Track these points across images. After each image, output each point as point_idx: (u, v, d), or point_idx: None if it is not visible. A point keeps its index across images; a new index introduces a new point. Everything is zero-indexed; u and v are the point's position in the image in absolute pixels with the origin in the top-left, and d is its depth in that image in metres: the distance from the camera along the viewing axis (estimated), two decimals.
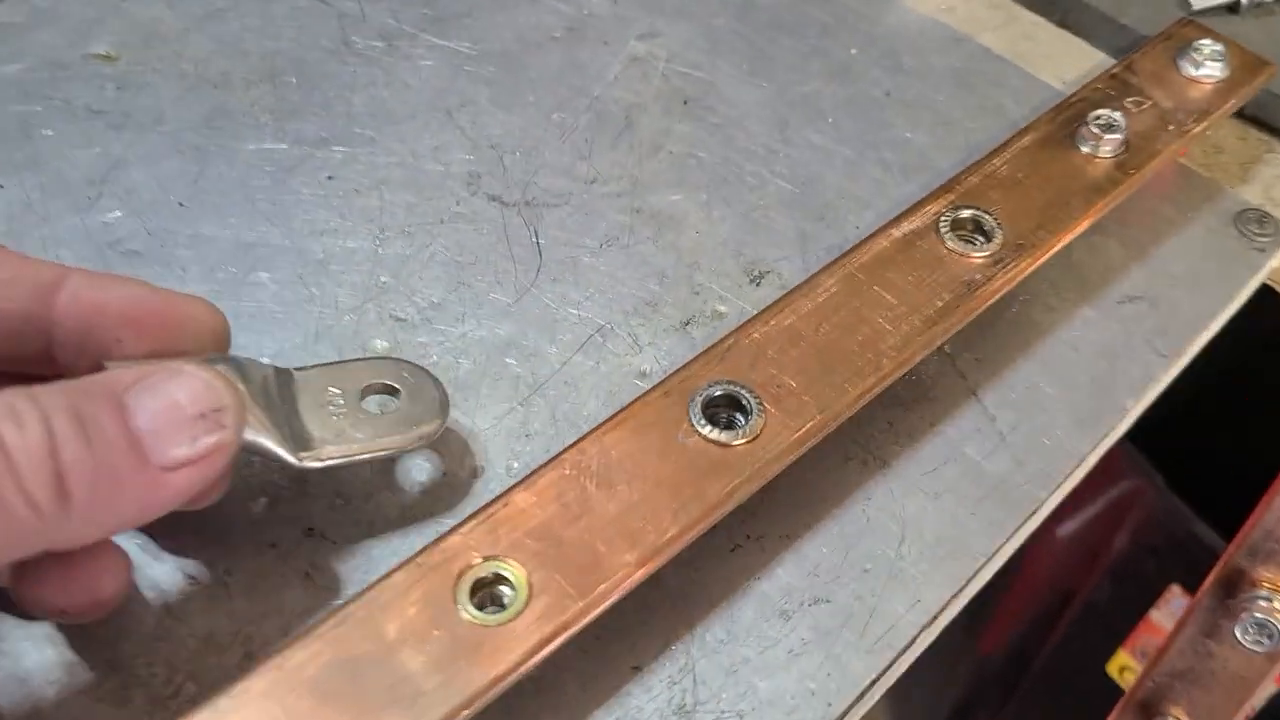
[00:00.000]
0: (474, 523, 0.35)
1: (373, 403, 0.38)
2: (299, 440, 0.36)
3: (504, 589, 0.34)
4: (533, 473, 0.36)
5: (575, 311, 0.45)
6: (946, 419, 0.43)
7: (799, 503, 0.41)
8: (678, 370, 0.39)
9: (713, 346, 0.40)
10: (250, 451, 0.35)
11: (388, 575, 0.34)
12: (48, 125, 0.49)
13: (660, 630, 0.38)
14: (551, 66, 0.54)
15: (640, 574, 0.35)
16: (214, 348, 0.37)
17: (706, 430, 0.37)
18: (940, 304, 0.42)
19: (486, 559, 0.34)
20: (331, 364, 0.39)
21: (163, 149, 0.49)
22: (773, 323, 0.41)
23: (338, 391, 0.38)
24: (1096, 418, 0.44)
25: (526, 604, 0.34)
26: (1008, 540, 0.41)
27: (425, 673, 0.32)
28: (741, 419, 0.38)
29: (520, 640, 0.33)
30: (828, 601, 0.38)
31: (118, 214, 0.46)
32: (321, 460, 0.36)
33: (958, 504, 0.41)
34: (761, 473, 0.37)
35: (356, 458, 0.37)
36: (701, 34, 0.56)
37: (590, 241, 0.47)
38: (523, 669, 0.33)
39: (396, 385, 0.39)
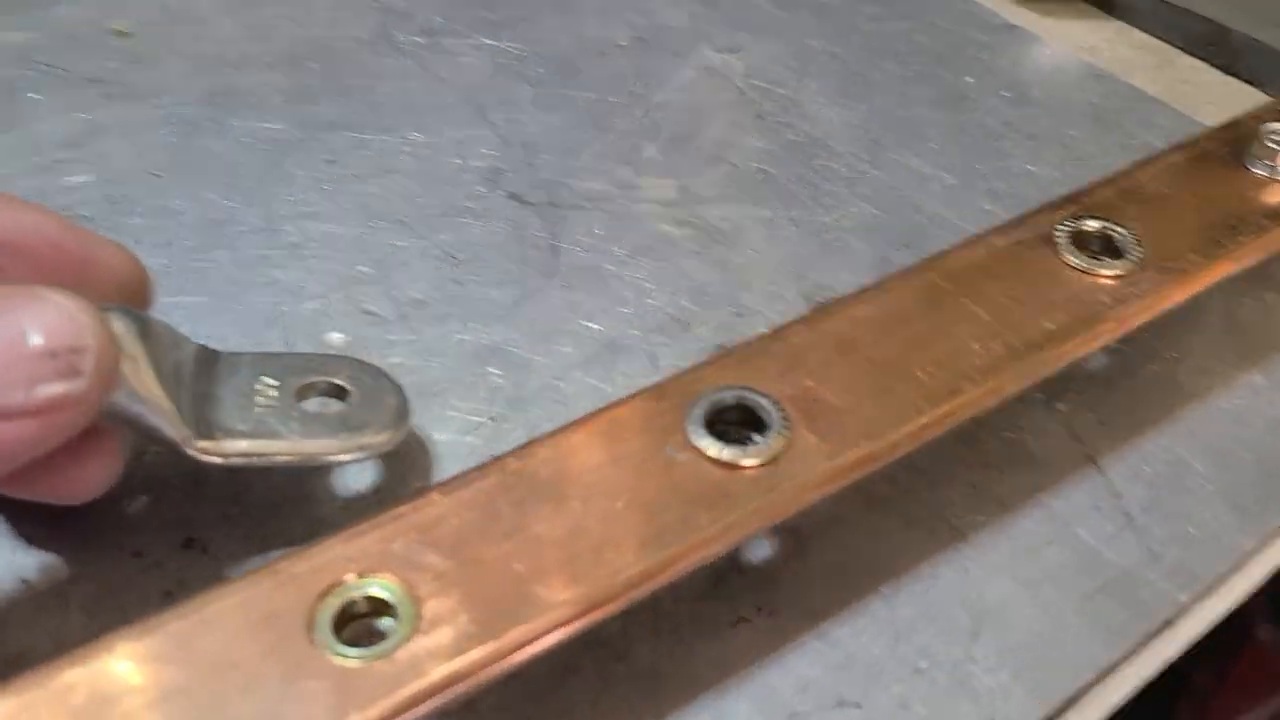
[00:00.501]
0: (364, 526, 0.26)
1: (315, 404, 0.30)
2: (202, 426, 0.28)
3: (384, 619, 0.25)
4: (461, 474, 0.27)
5: (586, 323, 0.36)
6: (1053, 490, 0.32)
7: (835, 572, 0.30)
8: (681, 372, 0.29)
9: (734, 348, 0.30)
10: (134, 426, 0.27)
11: (226, 583, 0.25)
12: (37, 90, 0.43)
13: (615, 707, 0.27)
14: (609, 72, 0.46)
15: (579, 621, 0.25)
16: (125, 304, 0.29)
17: (705, 444, 0.27)
18: (1051, 327, 0.31)
19: (364, 574, 0.25)
20: (274, 353, 0.31)
21: (151, 120, 0.42)
22: (820, 327, 0.31)
23: (273, 383, 0.30)
24: (1263, 505, 0.32)
25: (409, 637, 0.24)
26: (1129, 655, 0.29)
27: None
28: (757, 437, 0.28)
29: (388, 686, 0.23)
30: (857, 707, 0.27)
31: (82, 179, 0.40)
32: (224, 455, 0.28)
33: (1061, 598, 0.30)
34: (775, 506, 0.27)
35: (274, 459, 0.29)
36: (790, 53, 0.48)
37: (619, 250, 0.39)
38: None
39: (346, 386, 0.31)
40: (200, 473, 0.29)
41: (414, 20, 0.48)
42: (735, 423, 0.28)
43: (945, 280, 0.32)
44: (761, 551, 0.30)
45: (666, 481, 0.27)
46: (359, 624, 0.25)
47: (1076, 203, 0.35)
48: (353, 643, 0.24)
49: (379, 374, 0.31)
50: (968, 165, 0.43)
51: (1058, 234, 0.33)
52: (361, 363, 0.31)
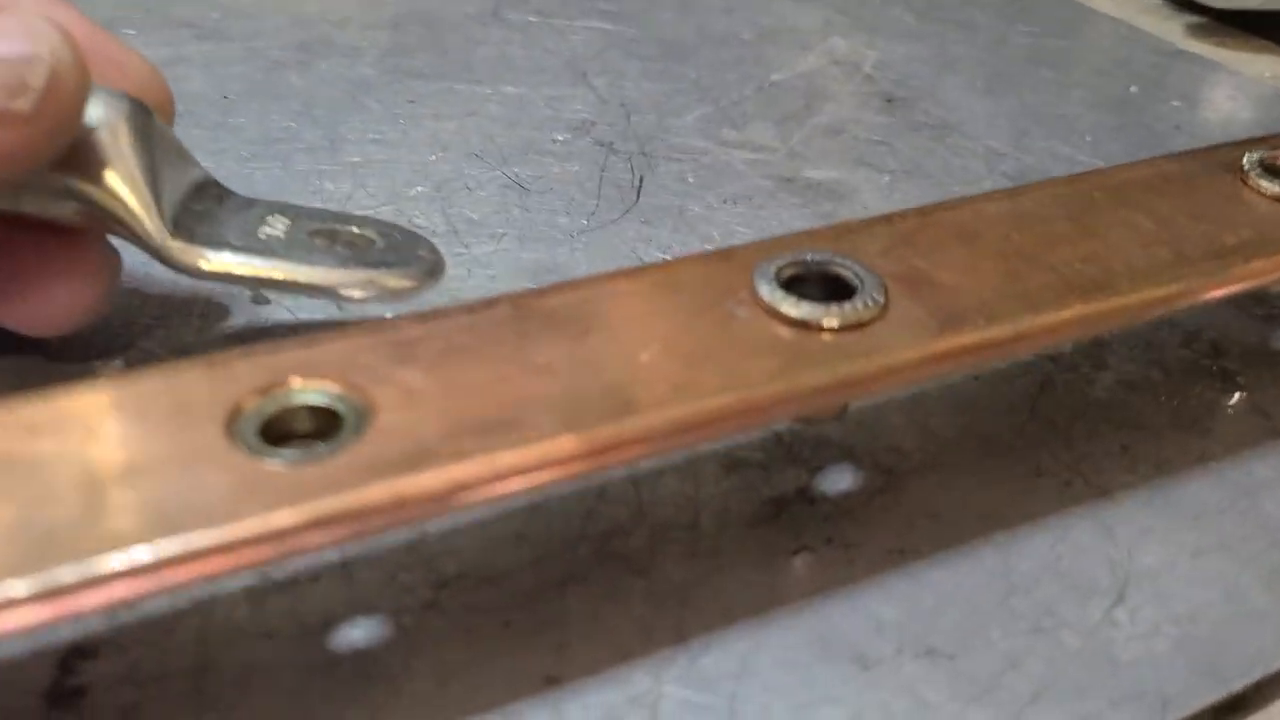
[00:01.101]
0: (331, 334, 0.20)
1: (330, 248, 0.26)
2: (185, 232, 0.24)
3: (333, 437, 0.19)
4: (466, 303, 0.21)
5: (660, 254, 0.31)
6: (1229, 460, 0.25)
7: (933, 514, 0.23)
8: (761, 239, 0.24)
9: (830, 226, 0.24)
10: (108, 223, 0.23)
11: (152, 367, 0.19)
12: (133, 27, 0.42)
13: (621, 624, 0.20)
14: (726, 56, 0.42)
15: (575, 464, 0.19)
16: None
17: (775, 299, 0.21)
18: (1232, 241, 0.24)
19: (312, 378, 0.19)
20: (297, 205, 0.27)
21: (235, 56, 0.40)
22: (937, 216, 0.25)
23: (284, 221, 0.26)
24: None
25: (351, 447, 0.18)
26: None
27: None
28: (843, 301, 0.21)
29: (309, 493, 0.17)
30: (950, 659, 0.20)
31: None
32: (205, 263, 0.24)
33: (1240, 570, 0.22)
34: (855, 376, 0.20)
35: (265, 279, 0.24)
36: (930, 53, 0.43)
37: (710, 196, 0.34)
38: (284, 548, 0.17)
39: (373, 238, 0.26)
40: (175, 269, 0.24)
41: (529, 3, 0.46)
42: (816, 284, 0.23)
43: (1101, 191, 0.26)
44: (840, 483, 0.24)
45: (720, 334, 0.21)
46: (299, 438, 0.19)
47: (1268, 141, 0.28)
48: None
49: (414, 235, 0.27)
50: (1127, 156, 0.37)
51: (1246, 161, 0.27)
52: (396, 225, 0.27)
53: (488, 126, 0.37)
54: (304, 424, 0.19)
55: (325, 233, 0.26)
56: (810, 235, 0.24)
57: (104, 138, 0.23)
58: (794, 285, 0.22)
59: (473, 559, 0.22)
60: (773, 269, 0.22)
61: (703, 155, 0.36)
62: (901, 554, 0.22)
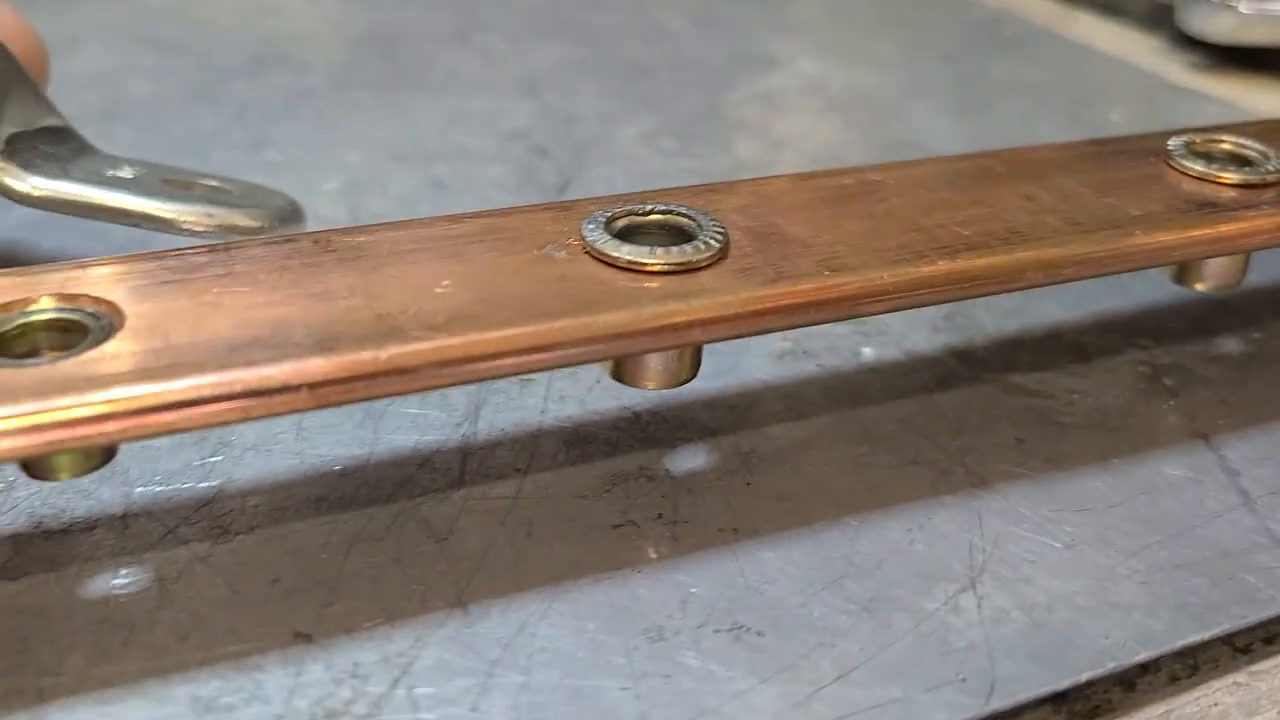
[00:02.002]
0: (96, 259, 0.19)
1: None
2: (22, 160, 0.23)
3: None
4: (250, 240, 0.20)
5: None
6: (1136, 458, 0.22)
7: (784, 497, 0.21)
8: (593, 197, 0.22)
9: (690, 186, 0.22)
10: None
11: None
12: (97, 41, 0.42)
13: (397, 586, 0.18)
14: (687, 76, 0.41)
15: (328, 389, 0.17)
16: None
17: (598, 240, 0.20)
18: (1138, 213, 0.22)
19: (66, 299, 0.18)
20: (160, 164, 0.26)
21: (187, 67, 0.40)
22: (812, 181, 0.23)
23: (138, 169, 0.25)
24: None
25: (78, 353, 0.17)
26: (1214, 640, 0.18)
27: None
28: (676, 246, 0.20)
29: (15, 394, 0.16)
30: (759, 635, 0.17)
31: (91, 97, 0.37)
32: (34, 185, 0.23)
33: (1114, 562, 0.19)
34: (677, 318, 0.18)
35: (94, 202, 0.23)
36: (901, 79, 0.42)
37: None
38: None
39: (230, 189, 0.26)
40: None
41: (496, 29, 0.45)
42: (652, 234, 0.21)
43: (1005, 166, 0.24)
44: (689, 463, 0.22)
45: (529, 272, 0.19)
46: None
47: (1207, 131, 0.26)
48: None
49: (277, 191, 0.26)
50: None
51: (1172, 144, 0.25)
52: (260, 185, 0.26)
53: (420, 133, 0.36)
54: (49, 341, 0.18)
55: (180, 182, 0.25)
56: (665, 191, 0.22)
57: None
58: (629, 234, 0.20)
59: (263, 517, 0.20)
60: (605, 216, 0.20)
61: (637, 162, 0.34)
62: (735, 533, 0.20)
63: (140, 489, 0.21)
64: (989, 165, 0.24)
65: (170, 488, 0.21)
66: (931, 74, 0.42)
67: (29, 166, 0.23)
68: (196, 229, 0.23)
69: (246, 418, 0.17)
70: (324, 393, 0.17)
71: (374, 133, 0.35)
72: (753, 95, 0.39)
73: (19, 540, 0.19)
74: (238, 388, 0.16)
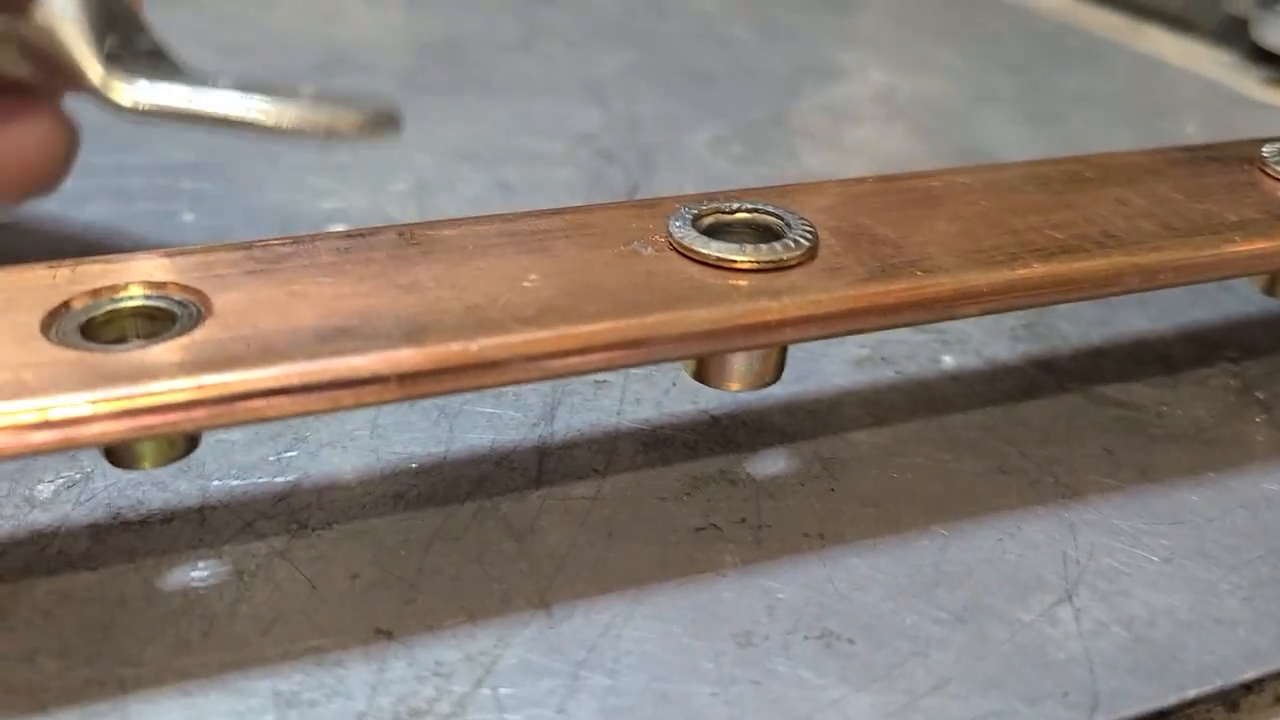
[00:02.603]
0: (182, 248, 0.19)
1: None
2: (127, 70, 0.22)
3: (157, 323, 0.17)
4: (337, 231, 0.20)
5: None
6: (1233, 470, 0.22)
7: (870, 502, 0.20)
8: (678, 195, 0.22)
9: (775, 186, 0.22)
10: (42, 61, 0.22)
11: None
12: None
13: (479, 585, 0.18)
14: (752, 83, 0.41)
15: (420, 381, 0.16)
16: None
17: (686, 237, 0.19)
18: (1234, 219, 0.21)
19: (151, 286, 0.18)
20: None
21: (255, 71, 0.40)
22: (896, 183, 0.22)
23: (236, 81, 0.23)
24: None
25: (167, 339, 0.17)
26: None
27: None
28: (765, 244, 0.19)
29: (107, 380, 0.16)
30: (849, 643, 0.17)
31: None
32: (147, 99, 0.22)
33: (1215, 576, 0.19)
34: (769, 316, 0.18)
35: (214, 114, 0.22)
36: (970, 88, 0.41)
37: None
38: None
39: (333, 100, 0.23)
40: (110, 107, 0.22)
41: (560, 36, 0.45)
42: (739, 231, 0.20)
43: (1094, 170, 0.23)
44: (771, 467, 0.21)
45: (616, 267, 0.19)
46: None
47: None
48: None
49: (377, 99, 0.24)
50: None
51: (1267, 150, 0.24)
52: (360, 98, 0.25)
53: (487, 135, 0.35)
54: (137, 328, 0.18)
55: (280, 91, 0.23)
56: (749, 191, 0.22)
57: None
58: (716, 232, 0.20)
59: (340, 513, 0.20)
60: (691, 213, 0.20)
61: (706, 168, 0.34)
62: (820, 538, 0.19)
63: (217, 482, 0.20)
64: (1077, 170, 0.23)
65: (247, 481, 0.20)
66: (999, 84, 0.42)
67: (131, 79, 0.22)
68: (301, 129, 0.22)
69: (336, 407, 0.16)
70: (413, 384, 0.17)
71: (441, 134, 0.35)
72: (819, 104, 0.39)
73: (97, 530, 0.19)
74: (327, 377, 0.16)
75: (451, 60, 0.42)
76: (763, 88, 0.40)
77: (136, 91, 0.22)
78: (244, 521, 0.20)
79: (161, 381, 0.16)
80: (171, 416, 0.16)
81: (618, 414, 0.23)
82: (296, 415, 0.16)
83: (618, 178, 0.33)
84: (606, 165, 0.34)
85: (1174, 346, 0.26)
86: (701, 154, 0.35)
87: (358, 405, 0.16)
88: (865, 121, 0.38)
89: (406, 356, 0.16)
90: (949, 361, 0.25)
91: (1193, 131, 0.38)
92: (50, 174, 0.24)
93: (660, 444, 0.22)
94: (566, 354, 0.17)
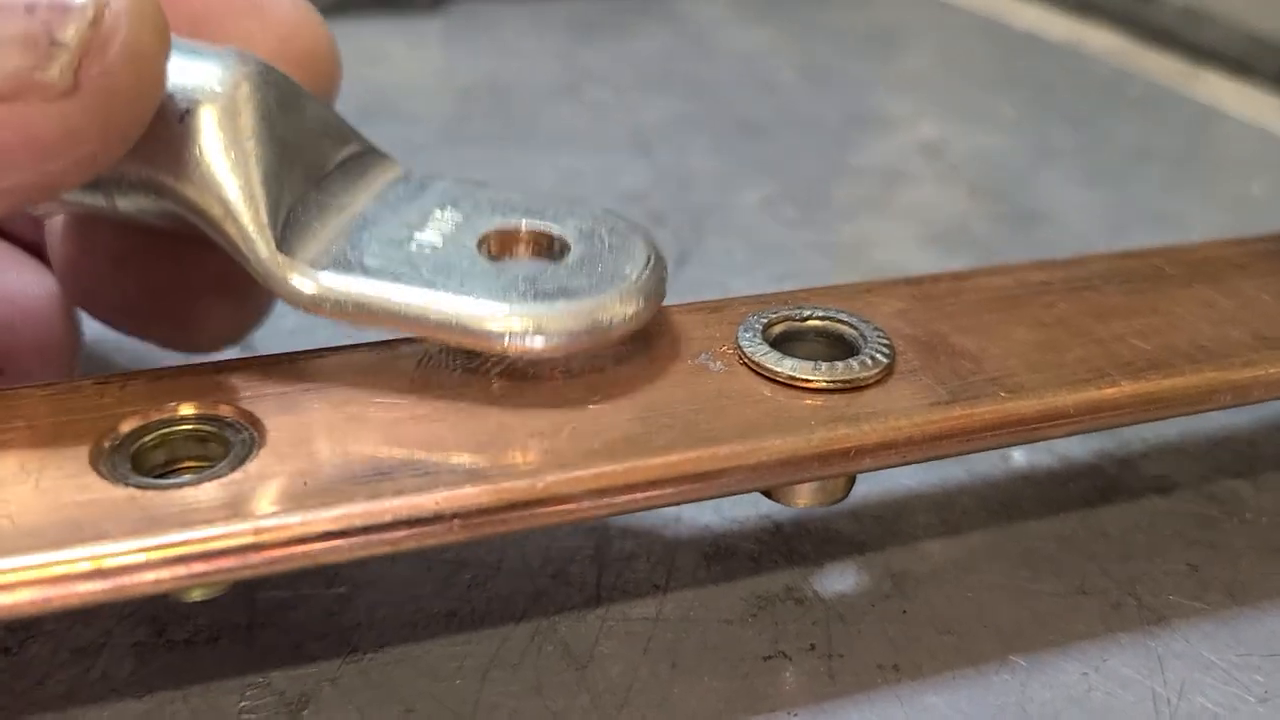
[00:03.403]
0: (236, 361, 0.18)
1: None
2: (299, 245, 0.17)
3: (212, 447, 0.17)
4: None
5: None
6: None
7: (946, 628, 0.19)
8: (743, 296, 0.21)
9: (845, 285, 0.21)
10: (202, 223, 0.17)
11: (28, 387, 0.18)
12: None
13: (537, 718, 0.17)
14: (802, 137, 0.40)
15: (483, 521, 0.16)
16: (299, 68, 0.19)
17: (756, 352, 0.18)
18: None
19: (206, 407, 0.17)
20: (486, 185, 0.20)
21: None
22: (972, 281, 0.21)
23: (453, 218, 0.19)
24: None
25: (223, 474, 0.16)
26: None
27: None
28: (840, 362, 0.18)
29: (155, 525, 0.15)
30: None
31: None
32: (319, 293, 0.17)
33: None
34: (846, 443, 0.17)
35: (398, 314, 0.17)
36: (1026, 144, 0.40)
37: (759, 274, 0.31)
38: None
39: (568, 238, 0.19)
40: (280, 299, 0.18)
41: (605, 81, 0.44)
42: (816, 350, 0.19)
43: (1175, 266, 0.22)
44: (840, 584, 0.20)
45: (685, 388, 0.18)
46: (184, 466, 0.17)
47: None
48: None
49: (626, 225, 0.19)
50: None
51: None
52: (610, 214, 0.20)
53: (532, 192, 0.35)
54: (187, 451, 0.17)
55: (502, 237, 0.19)
56: (818, 292, 0.21)
57: (206, 120, 0.17)
58: (786, 341, 0.19)
59: (393, 633, 0.19)
60: (761, 322, 0.19)
61: (758, 233, 0.33)
62: (895, 670, 0.18)
63: (264, 594, 0.20)
64: (1158, 265, 0.22)
65: (295, 593, 0.20)
66: (1057, 137, 0.40)
67: (312, 260, 0.17)
68: (518, 347, 0.17)
69: (396, 550, 0.16)
70: (477, 523, 0.16)
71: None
72: (871, 160, 0.38)
73: (142, 651, 0.19)
74: (387, 518, 0.15)
75: (495, 107, 0.41)
76: (812, 140, 0.40)
77: (313, 279, 0.17)
78: (294, 643, 0.19)
79: (217, 526, 0.15)
80: (225, 563, 0.15)
81: (676, 519, 0.22)
82: (355, 559, 0.15)
83: (668, 242, 0.32)
84: (656, 228, 0.33)
85: (1258, 438, 0.24)
86: (752, 216, 0.34)
87: (419, 546, 0.16)
88: (918, 181, 0.37)
89: (469, 495, 0.16)
90: (1019, 459, 0.24)
91: (1258, 192, 0.37)
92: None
93: (722, 555, 0.21)
94: (634, 489, 0.16)
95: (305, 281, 0.17)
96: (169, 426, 0.17)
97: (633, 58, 0.46)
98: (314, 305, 0.17)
